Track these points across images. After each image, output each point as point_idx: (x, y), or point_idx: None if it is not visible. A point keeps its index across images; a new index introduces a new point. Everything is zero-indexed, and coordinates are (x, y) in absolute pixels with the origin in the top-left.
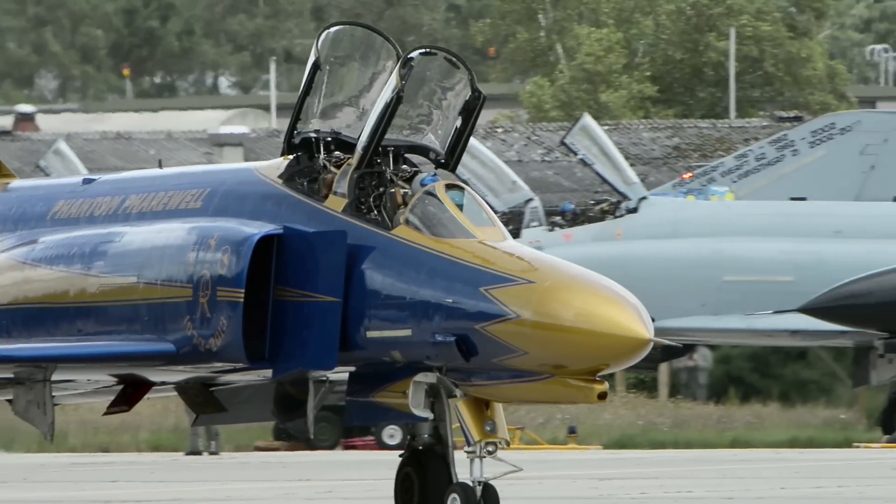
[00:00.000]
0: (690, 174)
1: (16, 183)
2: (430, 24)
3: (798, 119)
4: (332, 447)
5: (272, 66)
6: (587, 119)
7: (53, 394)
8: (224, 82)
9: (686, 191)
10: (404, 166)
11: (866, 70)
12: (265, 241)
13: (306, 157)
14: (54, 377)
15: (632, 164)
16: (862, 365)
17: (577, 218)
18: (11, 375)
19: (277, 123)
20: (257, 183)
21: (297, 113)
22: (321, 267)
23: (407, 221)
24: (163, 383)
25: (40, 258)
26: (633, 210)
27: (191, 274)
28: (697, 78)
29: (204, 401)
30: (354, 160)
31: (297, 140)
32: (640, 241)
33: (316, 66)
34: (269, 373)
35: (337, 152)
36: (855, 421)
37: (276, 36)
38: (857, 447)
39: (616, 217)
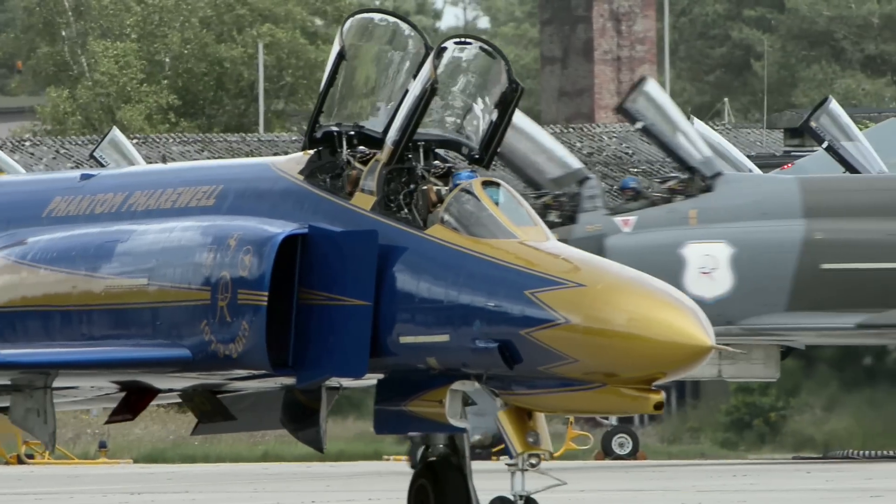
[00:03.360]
0: None
1: (3, 178)
2: None
3: None
4: None
5: None
6: (116, 132)
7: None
8: None
9: None
10: (436, 162)
11: None
12: (288, 242)
13: (328, 152)
14: (55, 384)
15: None
16: None
17: None
18: (8, 382)
19: None
20: (275, 179)
21: (319, 106)
22: (350, 269)
23: (442, 221)
24: (169, 390)
25: (39, 258)
26: None
27: (208, 276)
28: (222, 90)
29: (211, 409)
30: (384, 155)
31: (318, 134)
32: None
33: (341, 56)
34: (291, 380)
35: (361, 147)
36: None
37: None
38: (387, 460)
39: None
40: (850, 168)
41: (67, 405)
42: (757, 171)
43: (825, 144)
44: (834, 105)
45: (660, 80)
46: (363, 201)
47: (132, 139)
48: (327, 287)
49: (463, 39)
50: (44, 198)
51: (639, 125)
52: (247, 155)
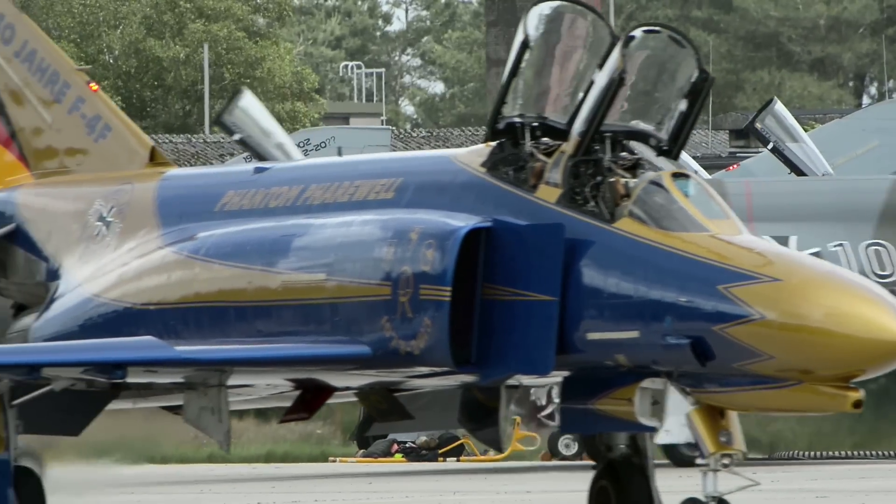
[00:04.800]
0: None
1: (173, 172)
2: None
3: None
4: None
5: None
6: None
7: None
8: None
9: None
10: (623, 153)
11: (340, 87)
12: (471, 236)
13: (511, 143)
14: (230, 382)
15: None
16: None
17: None
18: (182, 380)
19: None
20: (457, 172)
21: (501, 96)
22: (536, 263)
23: (631, 214)
24: (346, 388)
25: (213, 253)
26: None
27: (389, 271)
28: (164, 90)
29: (388, 407)
30: (570, 147)
31: (501, 125)
32: None
33: (524, 46)
34: (474, 378)
35: (545, 138)
36: (330, 435)
37: None
38: (333, 461)
39: None
40: (796, 169)
41: (241, 404)
42: (703, 172)
43: (770, 146)
44: (779, 106)
45: None
46: (548, 194)
47: None
48: (511, 282)
49: (651, 28)
50: (216, 192)
51: (236, 137)
52: (192, 157)
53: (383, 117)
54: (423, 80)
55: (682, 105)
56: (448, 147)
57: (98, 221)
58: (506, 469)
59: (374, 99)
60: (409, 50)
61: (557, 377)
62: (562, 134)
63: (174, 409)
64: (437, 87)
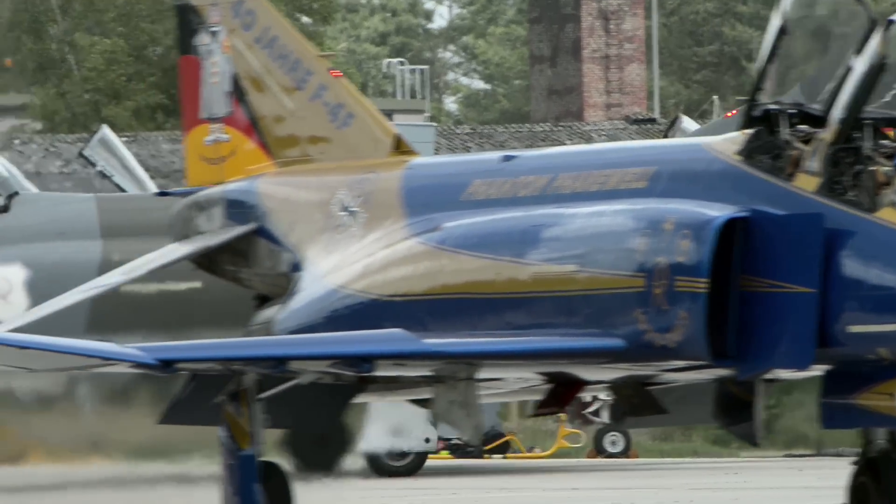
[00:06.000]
0: None
1: (418, 160)
2: None
3: None
4: None
5: None
6: (106, 131)
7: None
8: None
9: None
10: (884, 141)
11: (384, 83)
12: (727, 226)
13: (767, 131)
14: (480, 375)
15: (152, 177)
16: None
17: None
18: (430, 373)
19: None
20: (711, 160)
21: (757, 83)
22: (794, 254)
23: (893, 203)
24: (597, 382)
25: (460, 244)
26: None
27: (643, 262)
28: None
29: (641, 402)
30: (829, 134)
31: (756, 112)
32: None
33: (783, 31)
34: (730, 372)
35: (802, 126)
36: None
37: None
38: None
39: None
40: None
41: (490, 397)
42: None
43: (97, 170)
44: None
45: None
46: (806, 183)
47: (122, 137)
48: (769, 273)
49: None
50: (462, 180)
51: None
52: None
53: (427, 114)
54: (465, 78)
55: None
56: (492, 144)
57: (342, 211)
58: (552, 466)
59: (418, 96)
60: (451, 47)
61: (817, 371)
62: (820, 121)
63: (420, 403)
64: (479, 84)
